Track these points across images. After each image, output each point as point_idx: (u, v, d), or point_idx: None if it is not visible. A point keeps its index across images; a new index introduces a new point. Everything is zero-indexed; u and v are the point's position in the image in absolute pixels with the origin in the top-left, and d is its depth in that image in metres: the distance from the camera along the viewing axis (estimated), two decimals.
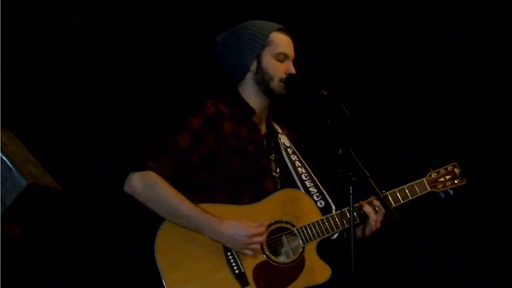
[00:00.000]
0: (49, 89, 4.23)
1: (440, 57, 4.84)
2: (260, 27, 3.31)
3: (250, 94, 3.34)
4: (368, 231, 3.28)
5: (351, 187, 2.94)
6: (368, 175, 2.97)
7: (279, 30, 3.34)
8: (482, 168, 4.76)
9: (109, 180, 4.22)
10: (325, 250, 3.22)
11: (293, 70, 3.30)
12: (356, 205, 3.21)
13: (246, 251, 3.08)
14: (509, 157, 4.80)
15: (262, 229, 3.08)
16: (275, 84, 3.29)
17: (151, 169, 3.08)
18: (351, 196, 2.96)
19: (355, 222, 3.19)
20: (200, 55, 4.30)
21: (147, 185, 3.07)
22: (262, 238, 3.09)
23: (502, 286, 4.78)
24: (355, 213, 3.14)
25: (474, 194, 4.74)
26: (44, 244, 4.08)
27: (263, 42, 3.29)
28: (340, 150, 2.99)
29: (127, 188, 3.13)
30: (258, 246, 3.08)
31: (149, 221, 3.33)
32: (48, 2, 4.22)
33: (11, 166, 2.78)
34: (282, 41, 3.32)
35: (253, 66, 3.32)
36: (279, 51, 3.30)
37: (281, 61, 3.30)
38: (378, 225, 3.26)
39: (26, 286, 4.13)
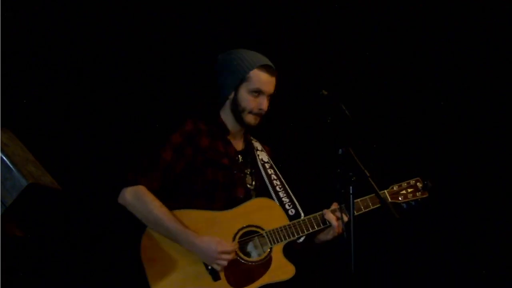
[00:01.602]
0: (49, 89, 4.23)
1: (440, 57, 4.84)
2: (244, 62, 3.60)
3: (228, 117, 3.68)
4: (330, 236, 3.59)
5: (351, 187, 2.98)
6: (368, 175, 3.00)
7: (261, 67, 3.60)
8: (482, 167, 4.78)
9: (109, 180, 4.23)
10: (292, 252, 3.54)
11: (264, 106, 3.59)
12: (320, 212, 3.56)
13: (215, 266, 3.41)
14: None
15: (232, 248, 3.42)
16: (245, 115, 3.61)
17: (141, 183, 3.46)
18: (351, 196, 3.00)
19: (319, 228, 3.55)
20: (188, 73, 4.42)
21: (137, 199, 3.46)
22: (230, 256, 3.41)
23: (502, 286, 4.78)
24: (319, 219, 3.55)
25: (471, 194, 4.76)
26: (44, 244, 4.08)
27: (242, 78, 3.59)
28: (340, 150, 3.03)
29: (120, 201, 3.51)
30: (225, 263, 3.39)
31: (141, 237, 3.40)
32: (48, 2, 4.22)
33: (11, 166, 2.77)
34: (259, 79, 3.58)
35: (231, 96, 3.63)
36: (253, 87, 3.58)
37: (255, 96, 3.59)
38: (340, 230, 3.54)
39: (26, 286, 4.13)
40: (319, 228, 3.55)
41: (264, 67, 3.60)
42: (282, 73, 3.74)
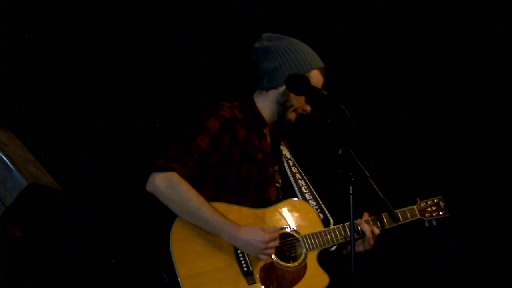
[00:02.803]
0: (49, 89, 4.23)
1: (440, 57, 4.84)
2: (307, 58, 3.41)
3: (266, 106, 3.46)
4: (361, 248, 3.43)
5: (351, 187, 2.97)
6: (368, 175, 2.99)
7: (320, 69, 3.45)
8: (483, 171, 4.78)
9: (109, 180, 4.24)
10: (325, 260, 3.37)
11: (309, 109, 3.44)
12: (356, 221, 3.38)
13: (262, 256, 3.21)
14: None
15: (277, 234, 3.22)
16: (290, 113, 3.43)
17: (175, 170, 3.18)
18: (351, 196, 2.99)
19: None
20: (214, 56, 4.36)
21: (171, 186, 3.17)
22: (277, 243, 3.22)
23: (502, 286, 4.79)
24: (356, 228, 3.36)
25: (472, 194, 4.76)
26: (44, 244, 4.08)
27: (302, 73, 3.36)
28: (340, 150, 3.02)
29: (149, 187, 3.20)
30: (272, 251, 3.22)
31: (147, 221, 3.37)
32: (48, 2, 4.22)
33: (11, 166, 2.78)
34: (318, 82, 3.40)
35: (282, 88, 3.41)
36: None
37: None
38: (372, 242, 3.42)
39: (26, 286, 4.13)
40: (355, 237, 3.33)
41: (322, 70, 3.46)
42: None
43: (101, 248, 4.27)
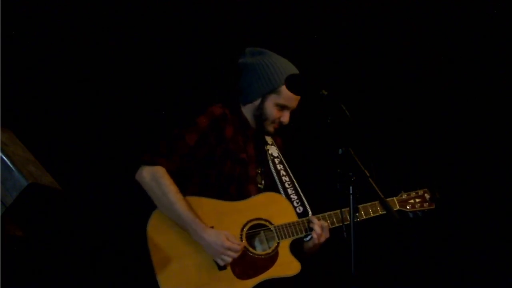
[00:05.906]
0: (49, 89, 4.23)
1: (441, 57, 4.84)
2: (277, 73, 3.57)
3: (248, 116, 3.67)
4: (311, 243, 3.56)
5: (351, 187, 2.99)
6: (368, 175, 3.00)
7: None
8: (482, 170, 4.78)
9: (109, 180, 4.24)
10: (299, 249, 3.55)
11: (286, 120, 3.62)
12: (307, 218, 3.56)
13: (218, 260, 3.39)
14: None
15: (238, 247, 3.39)
16: (267, 125, 3.64)
17: (161, 164, 3.43)
18: (351, 196, 3.00)
19: (306, 233, 3.53)
20: (209, 58, 4.43)
21: (154, 179, 3.42)
22: (236, 254, 3.38)
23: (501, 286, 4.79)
24: (307, 226, 3.54)
25: (471, 195, 4.76)
26: (44, 244, 4.08)
27: (272, 88, 3.58)
28: (340, 150, 3.03)
29: (137, 177, 3.47)
30: (229, 259, 3.37)
31: (147, 221, 3.39)
32: (48, 2, 4.22)
33: (11, 166, 2.77)
34: (288, 95, 3.56)
35: (257, 102, 3.63)
36: (281, 102, 3.60)
37: (280, 109, 3.61)
38: (322, 239, 3.54)
39: (26, 286, 4.14)
40: (306, 233, 3.54)
41: None
42: None
43: (101, 248, 4.28)
